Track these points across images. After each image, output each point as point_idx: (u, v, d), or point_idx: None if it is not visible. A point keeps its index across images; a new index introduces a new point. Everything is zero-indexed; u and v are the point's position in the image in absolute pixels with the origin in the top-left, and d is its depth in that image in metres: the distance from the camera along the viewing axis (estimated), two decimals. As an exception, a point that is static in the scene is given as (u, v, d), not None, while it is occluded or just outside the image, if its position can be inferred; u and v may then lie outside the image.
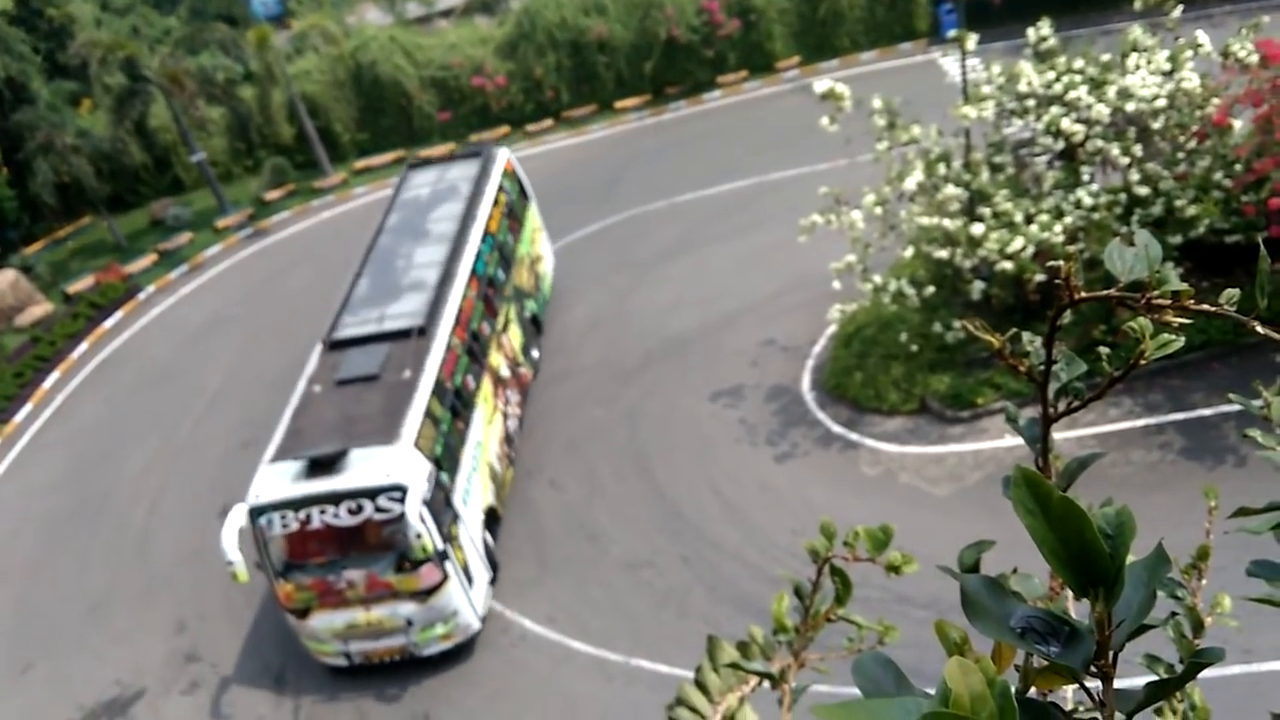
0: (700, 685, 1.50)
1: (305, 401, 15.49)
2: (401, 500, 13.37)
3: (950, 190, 15.70)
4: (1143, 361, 1.06)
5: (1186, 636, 1.48)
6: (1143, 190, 15.44)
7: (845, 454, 16.88)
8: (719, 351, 19.83)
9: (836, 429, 17.41)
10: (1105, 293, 1.02)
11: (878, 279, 16.68)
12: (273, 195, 31.79)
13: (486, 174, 20.99)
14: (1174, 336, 1.02)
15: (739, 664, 1.47)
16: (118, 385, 24.56)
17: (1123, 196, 15.66)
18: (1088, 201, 15.32)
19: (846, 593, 1.48)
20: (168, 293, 28.59)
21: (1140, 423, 15.62)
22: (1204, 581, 1.73)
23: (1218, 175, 15.28)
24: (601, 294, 22.78)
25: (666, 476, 17.29)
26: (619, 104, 32.26)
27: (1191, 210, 15.40)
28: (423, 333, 16.26)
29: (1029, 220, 15.40)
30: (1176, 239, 15.62)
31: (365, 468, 13.66)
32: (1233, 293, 1.10)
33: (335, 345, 16.64)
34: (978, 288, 16.07)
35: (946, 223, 15.67)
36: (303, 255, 28.25)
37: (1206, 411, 15.35)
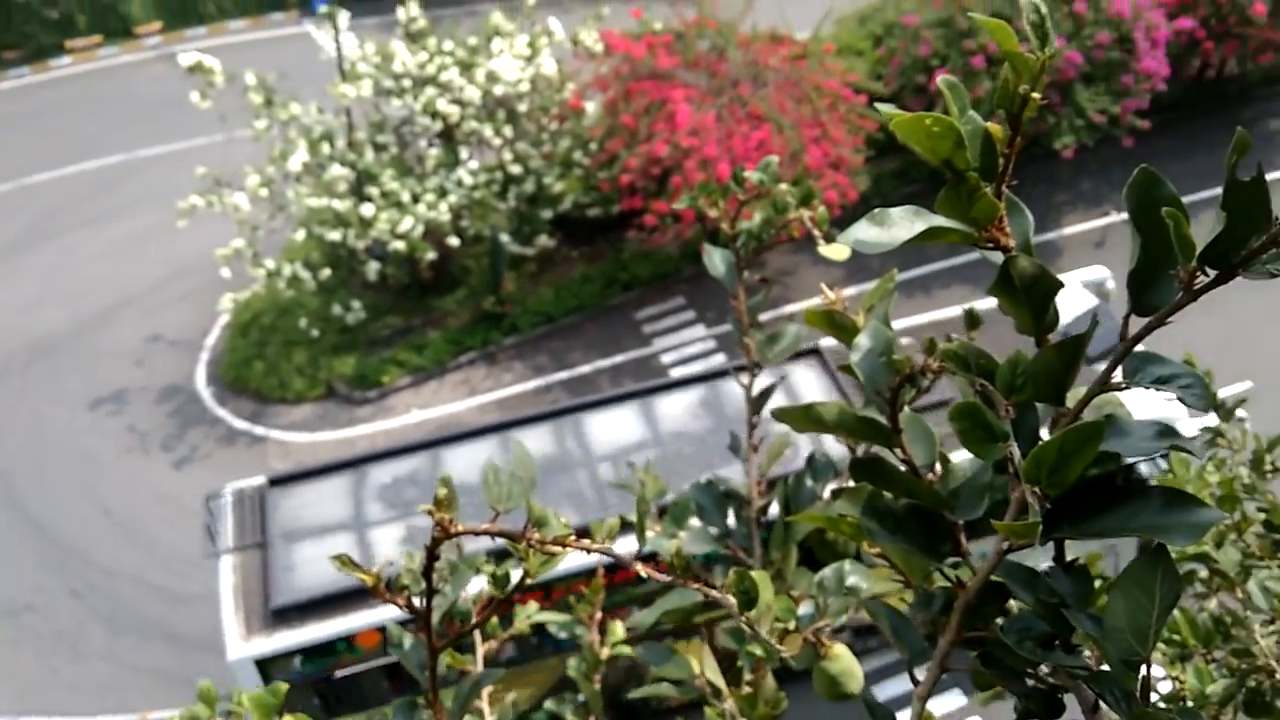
0: None
1: None
2: None
3: (336, 170, 15.46)
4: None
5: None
6: (516, 169, 16.50)
7: (252, 449, 16.01)
8: (96, 353, 17.65)
9: (240, 424, 16.43)
10: (484, 528, 0.95)
11: (270, 264, 15.94)
12: None
13: None
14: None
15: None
16: None
17: (499, 175, 16.61)
18: (468, 180, 16.01)
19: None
20: None
21: (532, 384, 16.78)
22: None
23: (577, 155, 16.81)
24: (-65, 296, 19.12)
25: (40, 502, 15.06)
26: (-63, 69, 27.16)
27: (558, 187, 16.80)
28: None
29: (416, 200, 15.71)
30: (548, 213, 16.99)
31: None
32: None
33: None
34: (373, 268, 16.09)
35: (336, 204, 15.41)
36: None
37: (585, 368, 16.94)
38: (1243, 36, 18.51)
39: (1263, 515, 2.99)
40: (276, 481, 11.11)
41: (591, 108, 16.82)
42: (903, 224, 0.87)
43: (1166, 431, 0.88)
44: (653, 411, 11.74)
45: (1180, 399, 0.86)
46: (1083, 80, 16.73)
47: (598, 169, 16.65)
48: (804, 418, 1.02)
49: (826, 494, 1.67)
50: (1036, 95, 0.85)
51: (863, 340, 1.03)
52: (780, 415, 1.05)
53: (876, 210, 0.90)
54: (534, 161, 16.63)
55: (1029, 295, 0.91)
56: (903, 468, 1.00)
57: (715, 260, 1.84)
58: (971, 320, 1.55)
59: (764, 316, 1.88)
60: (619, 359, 16.87)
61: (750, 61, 16.09)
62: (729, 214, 1.79)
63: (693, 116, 15.38)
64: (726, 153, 15.27)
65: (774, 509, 1.80)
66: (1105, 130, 17.11)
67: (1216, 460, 3.53)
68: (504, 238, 16.67)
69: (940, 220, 0.88)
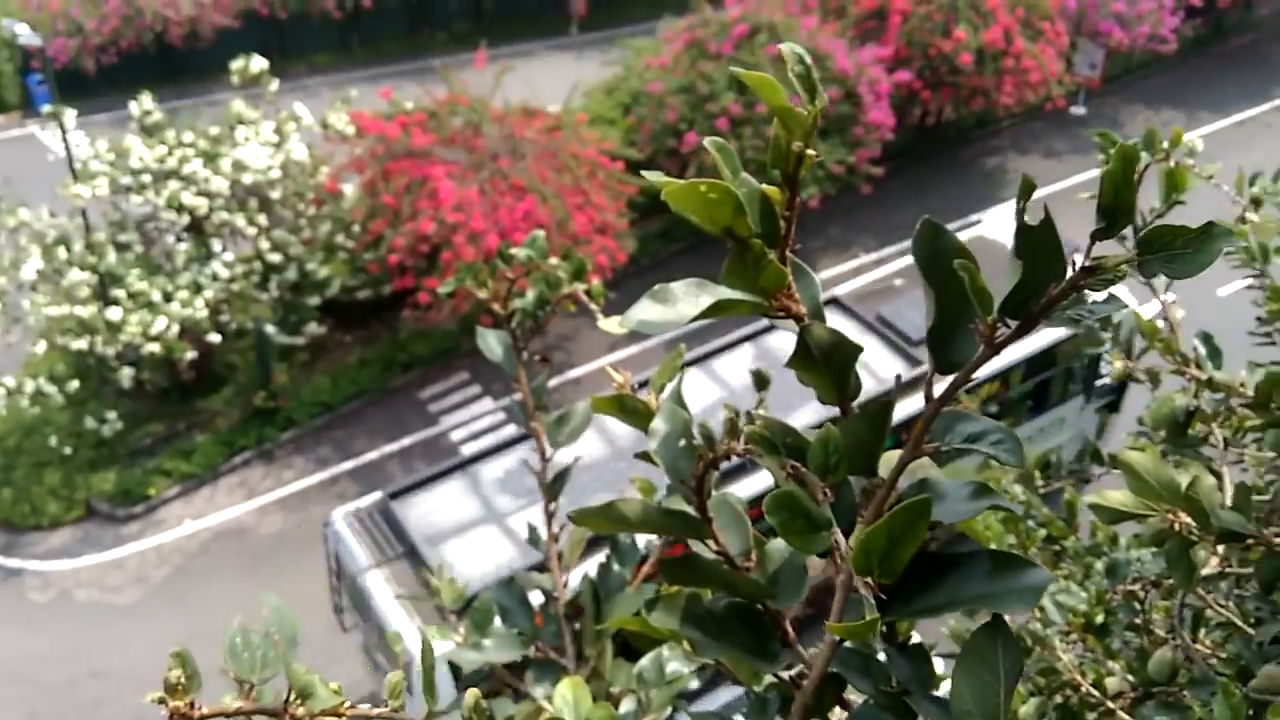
0: None
1: None
2: None
3: (76, 275, 14.39)
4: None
5: None
6: (275, 257, 15.85)
7: (7, 584, 14.50)
8: None
9: (-13, 561, 14.84)
10: (235, 708, 0.81)
11: (9, 381, 14.61)
12: None
13: None
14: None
15: None
16: None
17: (258, 264, 15.90)
18: (224, 273, 15.26)
19: None
20: None
21: (316, 479, 16.02)
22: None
23: (340, 238, 16.34)
24: None
25: None
26: None
27: (324, 272, 16.24)
28: None
29: (168, 298, 14.81)
30: (315, 300, 16.37)
31: None
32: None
33: None
34: (127, 374, 14.99)
35: (79, 310, 14.31)
36: None
37: (372, 455, 16.34)
38: (955, 85, 20.23)
39: (1043, 531, 3.13)
40: (396, 494, 11.51)
41: (349, 190, 16.44)
42: (687, 300, 0.80)
43: (982, 491, 0.84)
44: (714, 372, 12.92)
45: (992, 455, 0.82)
46: (819, 135, 17.77)
47: (363, 251, 16.24)
48: (604, 518, 0.92)
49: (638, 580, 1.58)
50: (811, 152, 0.80)
51: (659, 425, 0.95)
52: (578, 518, 0.95)
53: (658, 287, 0.83)
54: (294, 248, 16.03)
55: (829, 364, 0.86)
56: (719, 560, 0.92)
57: (491, 344, 1.73)
58: (759, 381, 1.50)
59: (550, 383, 1.81)
60: (407, 442, 16.38)
61: (507, 135, 16.18)
62: (499, 294, 1.69)
63: (456, 192, 15.28)
64: (494, 225, 15.24)
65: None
66: (845, 179, 18.23)
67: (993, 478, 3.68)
68: (270, 329, 15.92)
69: (726, 292, 0.82)
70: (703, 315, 0.81)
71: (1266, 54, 27.19)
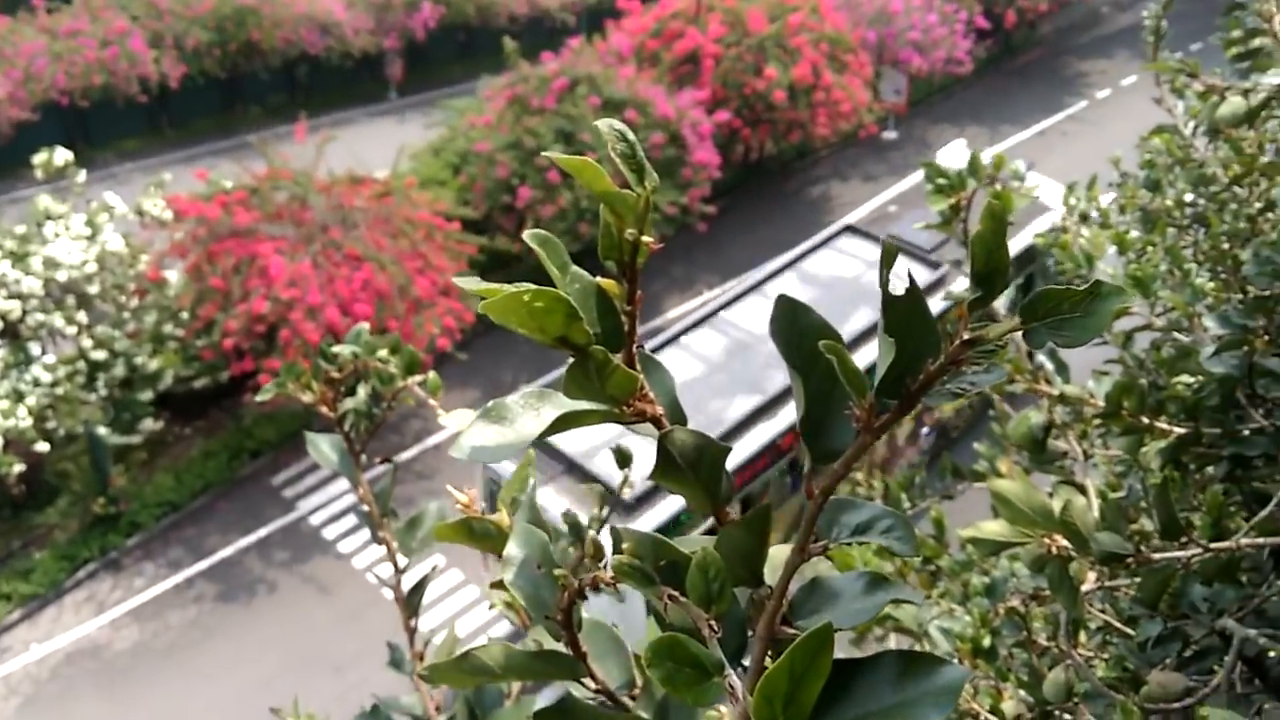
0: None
1: None
2: None
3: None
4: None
5: None
6: (100, 354, 14.97)
7: None
8: None
9: None
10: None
11: None
12: None
13: None
14: None
15: None
16: None
17: (82, 364, 14.98)
18: (46, 377, 14.31)
19: None
20: None
21: (170, 582, 15.12)
22: None
23: (168, 327, 15.57)
24: None
25: None
26: None
27: (154, 364, 15.42)
28: None
29: (-14, 411, 13.81)
30: (148, 394, 15.50)
31: None
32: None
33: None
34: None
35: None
36: None
37: (227, 551, 15.52)
38: (772, 121, 20.87)
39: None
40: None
41: (173, 276, 15.71)
42: (528, 417, 0.69)
43: (877, 582, 0.76)
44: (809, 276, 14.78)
45: (885, 545, 0.74)
46: (651, 176, 18.04)
47: (195, 338, 15.51)
48: (461, 671, 0.79)
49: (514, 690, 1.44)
50: (648, 240, 0.71)
51: (513, 551, 0.82)
52: (433, 674, 0.82)
53: (491, 404, 0.71)
54: (120, 343, 15.17)
55: (697, 471, 0.76)
56: (598, 700, 0.81)
57: (323, 450, 1.57)
58: (621, 459, 1.40)
59: (409, 454, 1.68)
60: (263, 532, 15.64)
61: (335, 205, 15.78)
62: (326, 397, 1.54)
63: (287, 268, 14.78)
64: (332, 297, 14.81)
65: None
66: (680, 219, 18.51)
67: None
68: (102, 430, 14.98)
69: (572, 404, 0.71)
70: (548, 432, 0.70)
71: (1054, 67, 29.11)
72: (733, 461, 15.52)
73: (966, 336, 0.65)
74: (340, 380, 1.54)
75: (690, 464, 0.75)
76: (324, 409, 1.55)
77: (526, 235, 0.76)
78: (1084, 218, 2.83)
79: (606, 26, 21.64)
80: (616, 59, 19.41)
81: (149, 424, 15.53)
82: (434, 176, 18.52)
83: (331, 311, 14.65)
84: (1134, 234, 3.79)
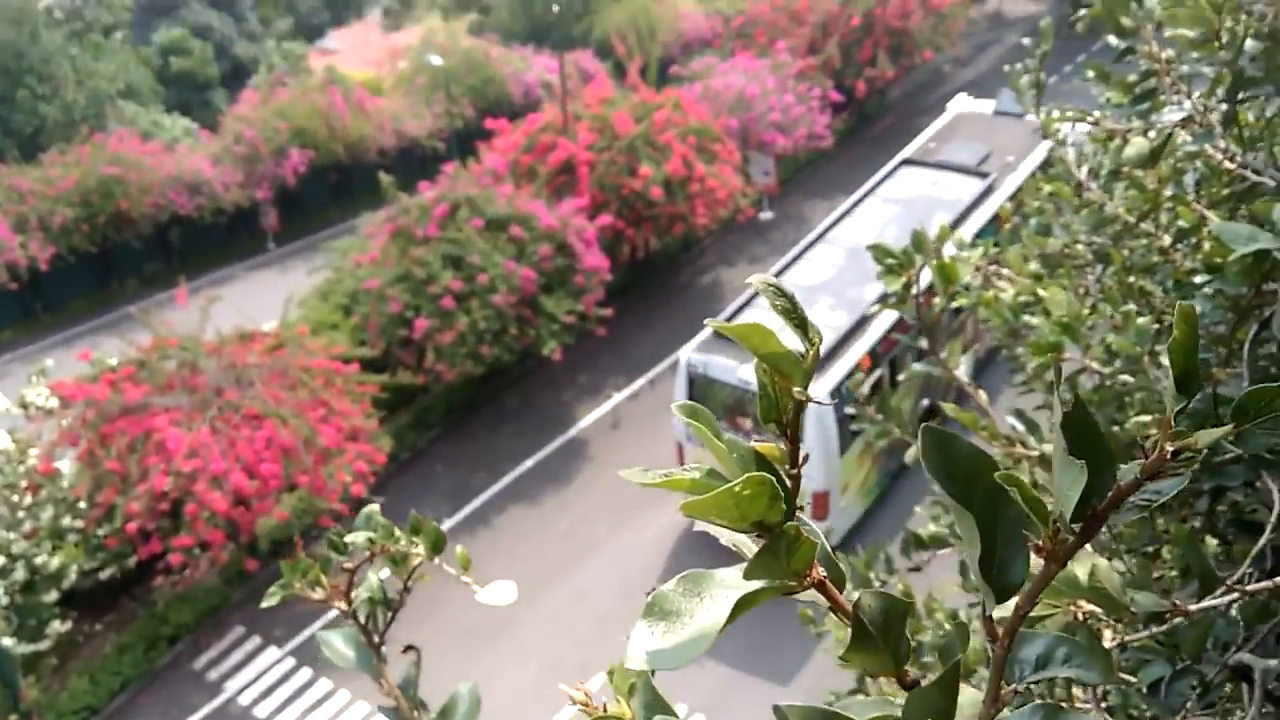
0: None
1: None
2: None
3: None
4: None
5: None
6: (-3, 561, 14.13)
7: None
8: None
9: None
10: None
11: None
12: None
13: None
14: None
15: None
16: None
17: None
18: (-63, 594, 13.41)
19: None
20: None
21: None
22: None
23: (67, 519, 14.81)
24: None
25: None
26: None
27: (55, 562, 14.60)
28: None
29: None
30: (52, 595, 14.61)
31: None
32: None
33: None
34: None
35: None
36: None
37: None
38: (653, 217, 21.24)
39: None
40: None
41: (66, 466, 15.00)
42: (704, 610, 0.61)
43: (1053, 712, 0.69)
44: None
45: (1076, 680, 0.68)
46: (544, 291, 18.07)
47: (95, 527, 14.75)
48: None
49: None
50: (810, 394, 0.65)
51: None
52: None
53: (652, 598, 0.63)
54: (16, 545, 14.34)
55: (885, 635, 0.69)
56: None
57: (339, 647, 1.44)
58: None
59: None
60: (192, 720, 14.76)
61: (227, 366, 15.37)
62: (338, 589, 1.42)
63: (185, 438, 14.25)
64: (235, 462, 14.31)
65: None
66: (579, 327, 18.55)
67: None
68: (6, 641, 14.03)
69: (752, 584, 0.64)
70: (727, 623, 0.63)
71: (905, 129, 30.41)
72: (875, 336, 15.53)
73: (1171, 448, 0.61)
74: (353, 571, 1.42)
75: (880, 630, 0.68)
76: (339, 605, 1.43)
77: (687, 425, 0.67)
78: (992, 276, 2.89)
79: (478, 148, 21.88)
80: (493, 178, 19.58)
81: (56, 626, 14.61)
82: (325, 321, 18.25)
83: (237, 476, 14.15)
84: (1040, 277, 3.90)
